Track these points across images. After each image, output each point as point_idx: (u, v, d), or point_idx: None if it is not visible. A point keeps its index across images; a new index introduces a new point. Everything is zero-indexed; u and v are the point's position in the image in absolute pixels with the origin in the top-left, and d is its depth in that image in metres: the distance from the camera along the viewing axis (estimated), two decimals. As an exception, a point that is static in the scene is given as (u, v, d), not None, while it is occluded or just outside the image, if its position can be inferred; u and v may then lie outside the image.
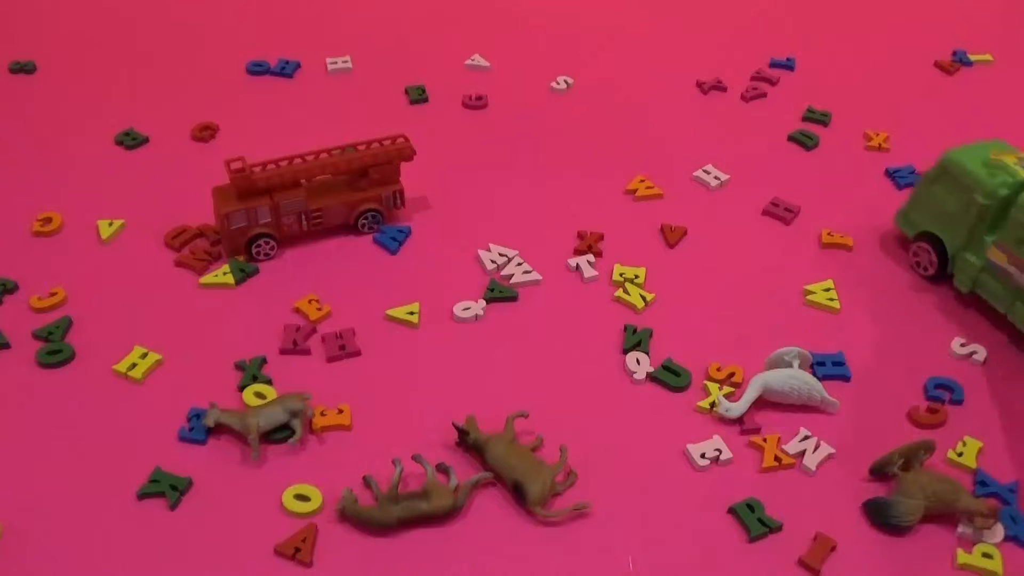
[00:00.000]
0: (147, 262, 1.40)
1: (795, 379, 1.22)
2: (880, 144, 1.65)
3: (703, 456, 1.17)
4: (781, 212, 1.51)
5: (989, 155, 1.33)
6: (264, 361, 1.26)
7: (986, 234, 1.32)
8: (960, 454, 1.18)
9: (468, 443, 1.16)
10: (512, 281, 1.38)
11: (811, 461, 1.17)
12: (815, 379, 1.23)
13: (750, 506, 1.12)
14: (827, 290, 1.39)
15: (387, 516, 1.08)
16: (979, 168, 1.32)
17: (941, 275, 1.39)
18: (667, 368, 1.27)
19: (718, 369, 1.27)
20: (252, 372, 1.24)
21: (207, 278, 1.37)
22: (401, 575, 1.06)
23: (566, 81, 1.78)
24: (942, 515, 1.12)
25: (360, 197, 1.43)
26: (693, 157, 1.61)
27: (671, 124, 1.67)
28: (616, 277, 1.39)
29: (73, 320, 1.30)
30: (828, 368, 1.28)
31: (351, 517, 1.09)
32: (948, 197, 1.35)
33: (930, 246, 1.39)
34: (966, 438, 1.20)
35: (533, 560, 1.08)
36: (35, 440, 1.17)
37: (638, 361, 1.28)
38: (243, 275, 1.37)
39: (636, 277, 1.39)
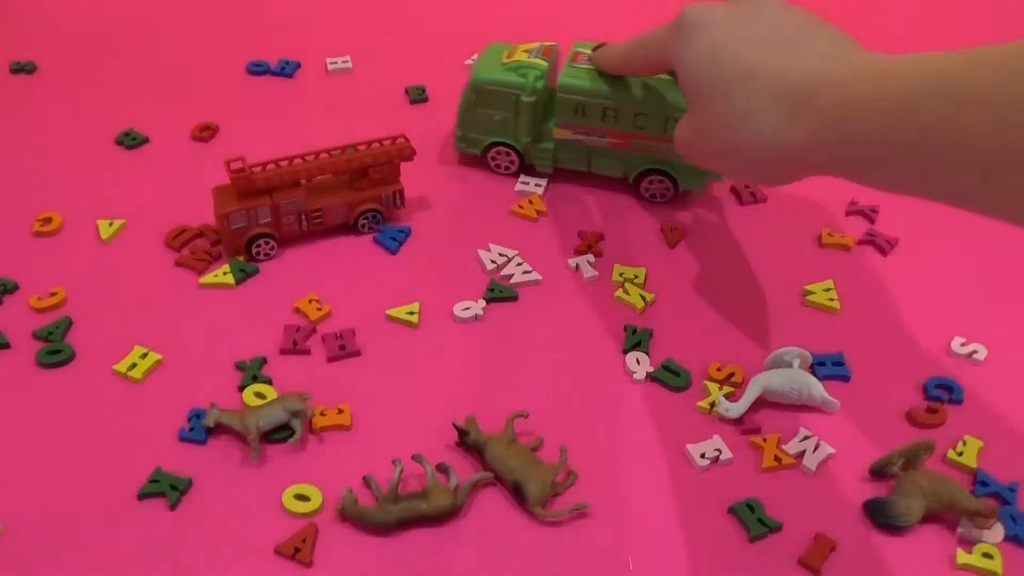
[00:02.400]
0: (147, 262, 1.40)
1: (795, 379, 1.22)
2: (880, 144, 1.65)
3: (703, 456, 1.17)
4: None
5: (502, 60, 1.49)
6: (264, 361, 1.26)
7: (544, 123, 1.50)
8: (960, 454, 1.18)
9: (468, 443, 1.16)
10: (512, 281, 1.38)
11: (811, 461, 1.17)
12: (815, 379, 1.23)
13: (750, 506, 1.12)
14: (827, 290, 1.39)
15: (387, 516, 1.08)
16: (508, 75, 1.47)
17: (522, 167, 1.55)
18: (667, 368, 1.27)
19: (718, 369, 1.27)
20: (252, 372, 1.24)
21: (207, 278, 1.37)
22: (401, 575, 1.06)
23: (566, 81, 1.77)
24: (942, 515, 1.12)
25: (360, 197, 1.43)
26: (693, 157, 1.61)
27: (671, 124, 1.67)
28: (616, 277, 1.39)
29: (73, 320, 1.30)
30: (828, 368, 1.28)
31: (351, 517, 1.09)
32: (496, 111, 1.49)
33: (505, 148, 1.52)
34: (966, 438, 1.20)
35: (533, 560, 1.08)
36: (35, 440, 1.17)
37: (638, 361, 1.28)
38: (243, 275, 1.37)
39: (636, 277, 1.39)
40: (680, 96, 1.39)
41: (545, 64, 1.48)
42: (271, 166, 1.38)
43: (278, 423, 1.16)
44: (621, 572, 1.07)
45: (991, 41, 0.88)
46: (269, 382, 1.23)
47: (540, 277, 1.39)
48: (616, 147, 1.48)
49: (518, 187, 1.54)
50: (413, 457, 1.14)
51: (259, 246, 1.39)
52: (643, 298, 1.36)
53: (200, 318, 1.32)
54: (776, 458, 1.17)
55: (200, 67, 1.78)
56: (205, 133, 1.62)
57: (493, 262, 1.41)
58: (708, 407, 1.23)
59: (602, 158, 1.50)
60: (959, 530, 1.11)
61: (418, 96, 1.73)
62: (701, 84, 1.16)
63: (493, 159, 1.55)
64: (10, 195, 1.50)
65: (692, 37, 1.17)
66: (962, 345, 1.32)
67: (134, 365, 1.25)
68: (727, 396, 1.24)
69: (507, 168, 1.55)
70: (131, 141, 1.60)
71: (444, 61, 1.82)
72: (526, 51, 1.50)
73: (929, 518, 1.12)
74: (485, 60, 1.51)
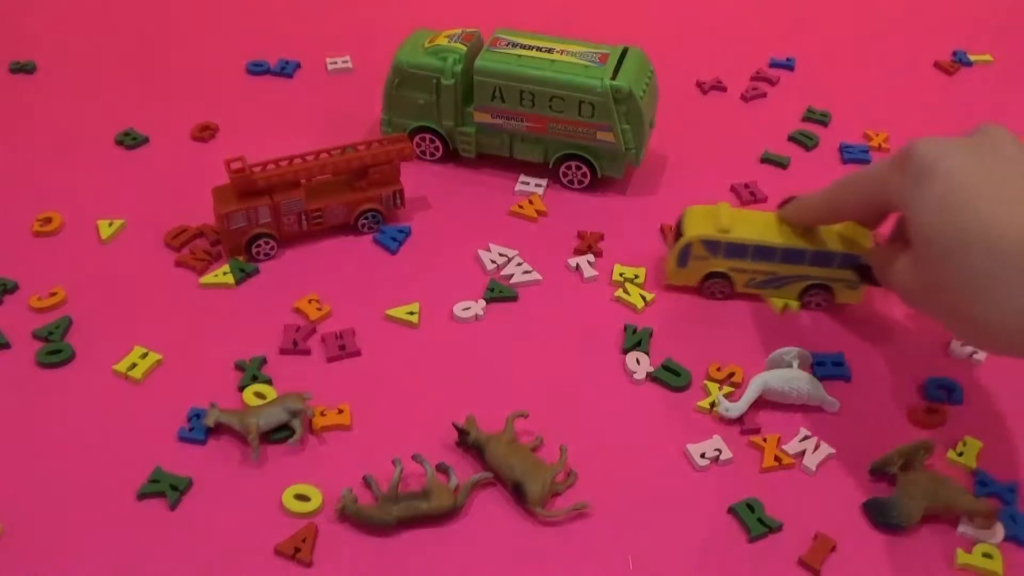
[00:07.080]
0: (147, 262, 1.40)
1: (795, 379, 1.22)
2: (880, 144, 1.65)
3: (703, 456, 1.17)
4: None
5: (424, 44, 1.51)
6: (264, 361, 1.26)
7: (465, 107, 1.51)
8: (960, 454, 1.18)
9: (468, 443, 1.16)
10: (512, 281, 1.38)
11: (811, 461, 1.17)
12: (815, 379, 1.23)
13: (750, 506, 1.12)
14: (827, 290, 1.39)
15: (387, 516, 1.08)
16: (428, 59, 1.50)
17: (447, 154, 1.56)
18: (667, 368, 1.27)
19: (718, 369, 1.27)
20: (252, 372, 1.24)
21: (207, 278, 1.37)
22: (401, 575, 1.06)
23: (566, 81, 1.77)
24: (942, 515, 1.12)
25: (360, 197, 1.43)
26: (693, 157, 1.61)
27: (671, 124, 1.67)
28: (616, 277, 1.39)
29: (73, 320, 1.30)
30: (828, 368, 1.28)
31: (351, 517, 1.09)
32: (419, 93, 1.52)
33: (429, 134, 1.55)
34: (966, 438, 1.20)
35: (533, 560, 1.08)
36: (35, 440, 1.17)
37: (638, 361, 1.28)
38: (243, 275, 1.37)
39: (636, 277, 1.39)
40: (594, 77, 1.42)
41: (464, 48, 1.50)
42: (271, 166, 1.38)
43: (278, 423, 1.16)
44: (621, 572, 1.07)
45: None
46: (269, 382, 1.23)
47: (540, 277, 1.39)
48: (535, 131, 1.50)
49: (518, 187, 1.54)
50: (413, 457, 1.14)
51: (259, 246, 1.39)
52: (643, 298, 1.36)
53: (200, 318, 1.32)
54: (776, 458, 1.17)
55: (200, 67, 1.78)
56: (205, 133, 1.62)
57: (493, 262, 1.41)
58: (708, 407, 1.23)
59: (523, 143, 1.53)
60: (959, 530, 1.11)
61: (418, 96, 1.73)
62: (933, 237, 1.02)
63: (418, 145, 1.57)
64: (10, 195, 1.50)
65: (924, 181, 1.04)
66: (962, 345, 1.32)
67: (134, 365, 1.25)
68: (727, 396, 1.24)
69: (432, 155, 1.58)
70: (131, 141, 1.60)
71: (444, 61, 1.82)
72: (447, 36, 1.53)
73: (929, 518, 1.12)
74: (409, 44, 1.53)
